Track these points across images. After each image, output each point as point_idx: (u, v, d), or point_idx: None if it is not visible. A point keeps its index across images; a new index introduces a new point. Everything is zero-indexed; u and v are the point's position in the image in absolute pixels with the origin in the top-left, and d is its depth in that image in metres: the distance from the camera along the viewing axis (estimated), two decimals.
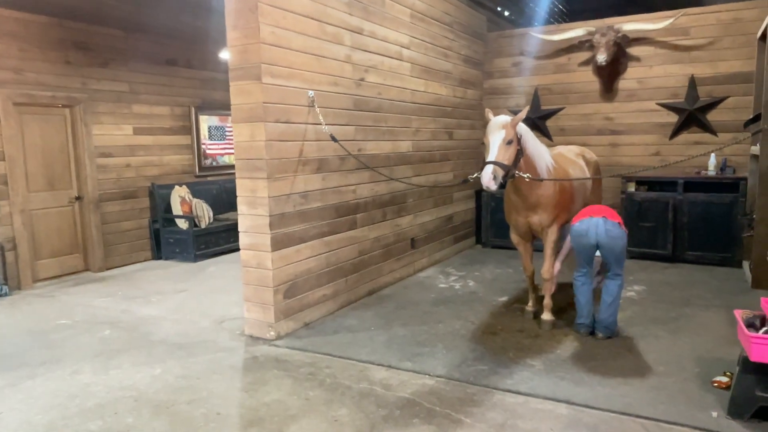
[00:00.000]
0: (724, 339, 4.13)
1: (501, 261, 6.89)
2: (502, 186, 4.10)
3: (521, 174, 4.13)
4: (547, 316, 4.52)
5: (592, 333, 4.24)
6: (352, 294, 5.24)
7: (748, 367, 2.96)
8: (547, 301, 4.57)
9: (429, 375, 3.64)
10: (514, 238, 4.78)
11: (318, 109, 4.52)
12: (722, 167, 6.65)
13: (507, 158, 3.98)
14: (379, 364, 3.82)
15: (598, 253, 4.17)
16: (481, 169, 3.95)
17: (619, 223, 4.10)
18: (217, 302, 5.40)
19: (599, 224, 4.03)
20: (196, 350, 4.19)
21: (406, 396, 3.35)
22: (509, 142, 4.00)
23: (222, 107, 8.30)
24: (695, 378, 3.50)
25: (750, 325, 3.04)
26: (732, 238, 6.29)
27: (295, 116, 4.36)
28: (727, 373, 3.44)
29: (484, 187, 3.89)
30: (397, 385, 3.50)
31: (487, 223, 7.72)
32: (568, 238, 4.50)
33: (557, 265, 4.62)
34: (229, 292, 5.65)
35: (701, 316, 4.70)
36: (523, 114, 4.10)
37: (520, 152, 4.11)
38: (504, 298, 5.33)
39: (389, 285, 5.84)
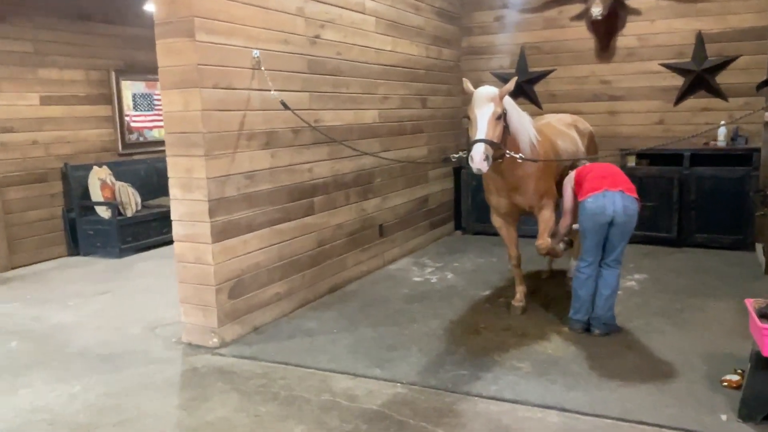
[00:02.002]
0: (736, 332, 4.27)
1: (484, 249, 6.97)
2: None
3: (512, 154, 4.17)
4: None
5: (588, 329, 4.33)
6: (311, 291, 5.23)
7: (760, 363, 3.07)
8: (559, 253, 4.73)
9: (401, 383, 3.67)
10: (495, 221, 4.84)
11: (265, 72, 4.46)
12: (733, 137, 6.83)
13: (497, 135, 4.04)
14: (342, 373, 3.84)
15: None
16: (469, 148, 3.98)
17: (635, 198, 4.18)
18: (149, 305, 5.34)
19: (616, 199, 4.09)
20: (124, 363, 4.13)
21: (375, 408, 3.38)
22: (498, 117, 4.05)
23: (149, 71, 8.08)
24: (703, 378, 3.62)
25: (762, 316, 3.13)
26: (744, 217, 6.50)
27: (238, 81, 4.31)
28: (738, 371, 3.56)
29: (475, 170, 3.95)
30: (363, 396, 3.52)
31: (468, 206, 7.78)
32: (566, 219, 4.54)
33: (561, 246, 4.68)
34: (162, 293, 5.59)
35: (710, 306, 4.86)
36: (511, 85, 4.16)
37: (506, 128, 4.17)
38: (487, 292, 5.40)
39: (354, 280, 5.85)
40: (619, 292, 4.54)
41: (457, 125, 7.78)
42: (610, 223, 4.12)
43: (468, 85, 4.31)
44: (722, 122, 6.81)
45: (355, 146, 5.53)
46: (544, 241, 4.56)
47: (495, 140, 4.02)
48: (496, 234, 5.11)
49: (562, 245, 4.71)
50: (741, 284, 5.37)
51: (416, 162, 6.77)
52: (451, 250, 7.07)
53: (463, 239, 7.65)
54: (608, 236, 4.19)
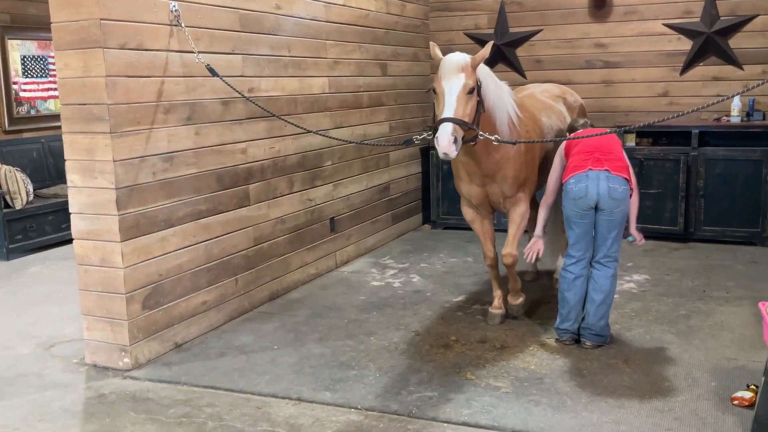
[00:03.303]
0: (749, 342, 4.41)
1: (457, 246, 7.04)
2: None
3: (486, 135, 4.19)
4: (515, 299, 4.94)
5: (577, 341, 4.42)
6: (246, 299, 5.22)
7: None
8: (513, 285, 4.89)
9: (356, 408, 3.70)
10: (467, 213, 4.88)
11: (186, 30, 4.41)
12: (749, 111, 7.01)
13: (468, 113, 4.06)
14: (284, 397, 3.85)
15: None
16: (435, 128, 3.99)
17: (626, 178, 4.23)
18: (44, 318, 5.28)
19: (600, 180, 4.15)
20: (13, 388, 4.09)
21: None
22: (470, 91, 4.07)
23: (43, 27, 7.93)
24: (711, 395, 3.73)
25: None
26: (761, 207, 6.68)
27: (152, 40, 4.26)
28: (751, 387, 3.67)
29: (441, 155, 3.96)
30: (310, 425, 3.53)
31: (439, 195, 7.82)
32: (547, 198, 4.61)
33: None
34: (61, 303, 5.54)
35: (720, 312, 4.99)
36: (486, 52, 4.18)
37: (480, 104, 4.19)
38: (460, 298, 5.46)
39: (300, 285, 5.86)
40: (615, 296, 4.64)
41: (424, 96, 7.79)
42: (596, 209, 4.20)
43: (436, 50, 4.30)
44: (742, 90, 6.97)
45: (299, 122, 5.50)
46: (512, 250, 4.64)
47: (466, 119, 4.03)
48: (471, 228, 5.15)
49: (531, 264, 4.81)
50: (756, 285, 5.54)
51: (374, 144, 6.76)
52: (418, 248, 7.11)
53: (432, 235, 7.70)
54: (596, 226, 4.26)
